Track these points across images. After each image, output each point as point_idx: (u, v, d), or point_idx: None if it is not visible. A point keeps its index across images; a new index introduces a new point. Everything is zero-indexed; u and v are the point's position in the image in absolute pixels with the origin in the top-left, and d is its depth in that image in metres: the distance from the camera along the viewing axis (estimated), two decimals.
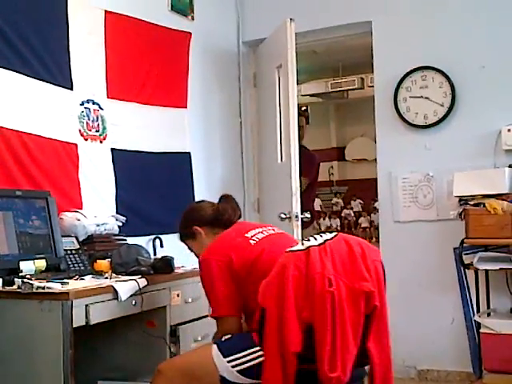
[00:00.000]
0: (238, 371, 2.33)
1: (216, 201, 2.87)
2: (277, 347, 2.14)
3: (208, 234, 2.74)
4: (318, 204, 17.71)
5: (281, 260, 2.23)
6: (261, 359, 2.30)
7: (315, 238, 2.25)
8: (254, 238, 2.57)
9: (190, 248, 2.83)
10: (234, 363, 2.34)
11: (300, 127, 4.91)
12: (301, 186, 4.29)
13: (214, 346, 2.39)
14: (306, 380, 2.17)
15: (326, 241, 2.23)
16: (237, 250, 2.51)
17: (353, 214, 17.48)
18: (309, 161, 5.14)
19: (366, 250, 2.25)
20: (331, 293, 2.10)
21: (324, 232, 2.37)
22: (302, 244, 2.23)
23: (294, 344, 2.11)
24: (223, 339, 2.44)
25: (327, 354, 2.08)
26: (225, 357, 2.35)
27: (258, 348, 2.33)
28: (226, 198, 2.84)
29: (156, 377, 2.43)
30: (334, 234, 2.30)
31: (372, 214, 15.52)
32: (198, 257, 2.75)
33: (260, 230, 2.64)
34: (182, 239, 2.85)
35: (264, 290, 2.21)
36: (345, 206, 17.91)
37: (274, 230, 2.70)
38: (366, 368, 2.36)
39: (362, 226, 16.57)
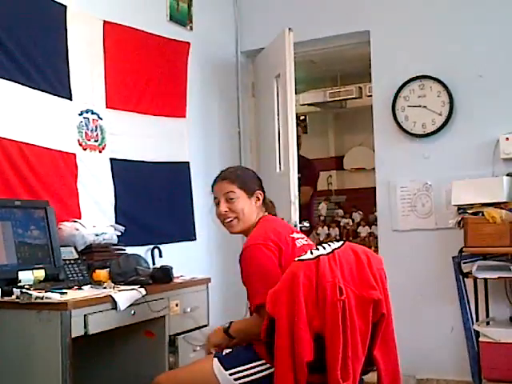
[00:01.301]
0: None
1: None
2: (289, 357, 2.13)
3: (259, 206, 2.65)
4: (324, 209, 17.72)
5: (290, 269, 2.22)
6: (265, 373, 2.31)
7: (324, 247, 2.26)
8: (298, 241, 2.54)
9: (234, 197, 2.60)
10: (236, 376, 2.33)
11: (297, 137, 4.95)
12: (300, 195, 4.30)
13: (215, 360, 2.38)
14: None
15: (334, 250, 2.24)
16: (287, 247, 2.46)
17: (351, 223, 17.47)
18: (310, 170, 5.20)
19: (371, 259, 2.27)
20: (342, 301, 2.11)
21: (331, 241, 2.38)
22: (311, 253, 2.23)
23: (307, 353, 2.11)
24: (223, 353, 2.42)
25: (339, 363, 2.08)
26: (226, 370, 2.34)
27: (261, 362, 2.33)
28: None
29: None
30: (341, 242, 2.31)
31: (372, 226, 15.47)
32: (231, 211, 2.60)
33: (301, 236, 2.61)
34: (237, 185, 2.61)
35: (273, 298, 2.20)
36: (344, 216, 17.90)
37: (306, 240, 2.66)
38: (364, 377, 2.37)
39: (361, 235, 16.55)
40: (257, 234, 2.51)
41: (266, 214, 2.67)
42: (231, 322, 2.50)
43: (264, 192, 2.69)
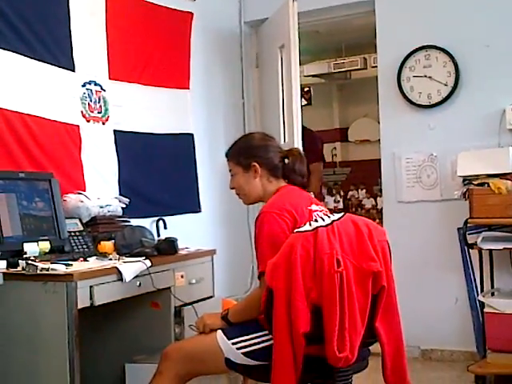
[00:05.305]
0: (243, 353, 2.34)
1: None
2: (286, 328, 2.14)
3: (262, 177, 2.58)
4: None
5: (288, 241, 2.22)
6: (267, 343, 2.31)
7: (323, 219, 2.25)
8: (315, 213, 2.46)
9: (233, 174, 2.63)
10: (238, 345, 2.35)
11: None
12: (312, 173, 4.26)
13: (219, 331, 2.40)
14: (312, 366, 2.18)
15: (333, 221, 2.22)
16: (302, 219, 2.39)
17: (356, 196, 17.44)
18: (311, 142, 5.14)
19: (372, 230, 2.25)
20: (339, 273, 2.11)
21: (332, 213, 2.36)
22: (310, 225, 2.22)
23: (304, 324, 2.12)
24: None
25: (336, 335, 2.08)
26: (229, 339, 2.36)
27: (264, 332, 2.33)
28: (300, 158, 2.64)
29: (162, 360, 2.44)
30: (341, 214, 2.29)
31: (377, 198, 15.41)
32: (234, 188, 2.63)
33: (319, 208, 2.52)
34: (233, 162, 2.63)
35: (271, 270, 2.20)
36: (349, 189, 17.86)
37: (325, 212, 2.53)
38: (370, 348, 2.38)
39: (366, 207, 16.55)
40: (273, 202, 2.48)
41: (285, 183, 2.59)
42: (228, 310, 2.48)
43: (263, 162, 2.57)
